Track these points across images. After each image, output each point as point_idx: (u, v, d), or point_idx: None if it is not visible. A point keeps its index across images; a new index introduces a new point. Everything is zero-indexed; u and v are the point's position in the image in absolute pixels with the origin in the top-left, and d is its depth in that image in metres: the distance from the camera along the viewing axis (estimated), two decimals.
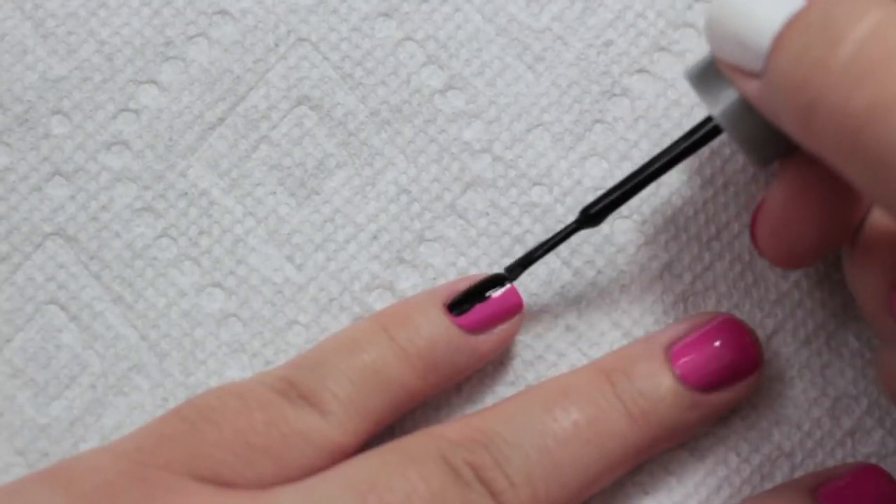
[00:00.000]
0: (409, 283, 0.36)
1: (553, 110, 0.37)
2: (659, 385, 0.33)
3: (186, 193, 0.36)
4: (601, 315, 0.36)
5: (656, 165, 0.33)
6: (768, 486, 0.35)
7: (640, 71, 0.38)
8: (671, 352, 0.33)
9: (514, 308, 0.34)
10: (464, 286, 0.34)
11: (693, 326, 0.34)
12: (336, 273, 0.36)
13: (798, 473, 0.35)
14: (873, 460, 0.35)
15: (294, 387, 0.32)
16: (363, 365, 0.32)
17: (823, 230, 0.31)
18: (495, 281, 0.34)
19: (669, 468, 0.35)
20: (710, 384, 0.33)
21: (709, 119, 0.32)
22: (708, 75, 0.31)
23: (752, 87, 0.28)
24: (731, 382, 0.34)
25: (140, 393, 0.35)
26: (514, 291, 0.34)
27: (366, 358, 0.33)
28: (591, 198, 0.37)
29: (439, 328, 0.33)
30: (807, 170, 0.31)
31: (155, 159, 0.37)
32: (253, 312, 0.36)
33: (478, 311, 0.34)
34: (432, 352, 0.33)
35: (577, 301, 0.36)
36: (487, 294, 0.34)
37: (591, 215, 0.34)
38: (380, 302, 0.36)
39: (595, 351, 0.36)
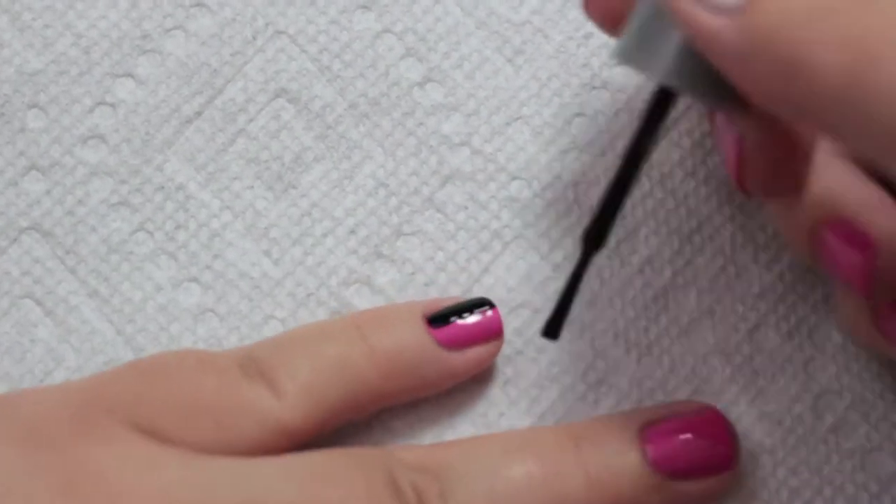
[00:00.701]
0: (387, 278, 0.36)
1: (533, 103, 0.37)
2: (625, 460, 0.32)
3: (163, 188, 0.36)
4: (582, 310, 0.36)
5: (631, 161, 0.30)
6: (750, 482, 0.35)
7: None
8: (646, 432, 0.33)
9: (493, 331, 0.34)
10: (448, 303, 0.34)
11: (673, 412, 0.34)
12: (313, 268, 0.36)
13: (780, 470, 0.35)
14: (857, 456, 0.35)
15: (255, 363, 0.32)
16: (326, 354, 0.32)
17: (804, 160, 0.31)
18: (480, 304, 0.34)
19: None
20: (678, 471, 0.32)
21: (659, 91, 0.30)
22: (634, 45, 0.29)
23: (717, 24, 0.26)
24: (701, 474, 0.33)
25: None
26: (496, 316, 0.34)
27: (331, 348, 0.32)
28: (570, 193, 0.36)
29: (412, 335, 0.33)
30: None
31: (131, 153, 0.36)
32: (230, 307, 0.35)
33: (455, 327, 0.34)
34: (400, 355, 0.33)
35: (555, 295, 0.36)
36: (469, 313, 0.34)
37: (595, 238, 0.31)
38: (357, 297, 0.36)
39: (577, 345, 0.35)
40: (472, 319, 0.34)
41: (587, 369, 0.35)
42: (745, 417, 0.35)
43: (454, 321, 0.34)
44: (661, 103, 0.30)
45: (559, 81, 0.37)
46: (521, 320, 0.36)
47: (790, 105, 0.26)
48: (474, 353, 0.34)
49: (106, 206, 0.36)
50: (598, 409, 0.35)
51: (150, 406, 0.30)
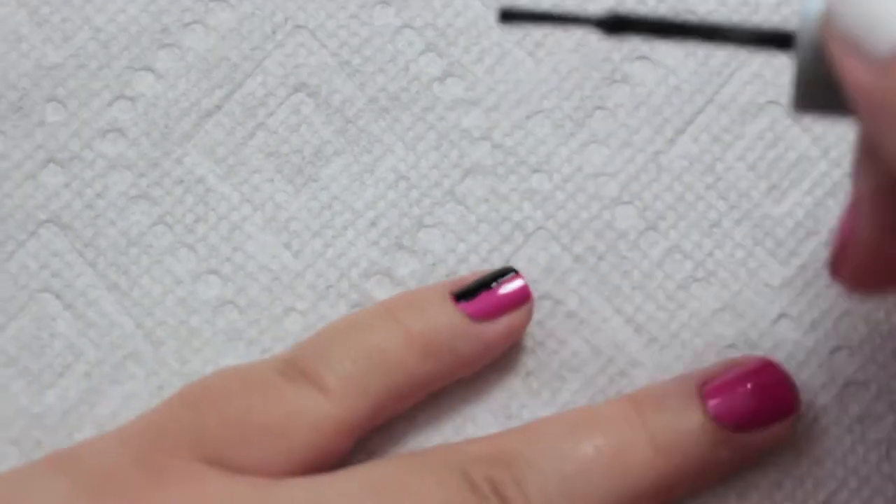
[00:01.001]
0: (408, 270, 0.36)
1: (553, 97, 0.37)
2: (689, 420, 0.32)
3: (182, 181, 0.36)
4: (603, 301, 0.36)
5: (704, 28, 0.26)
6: (774, 473, 0.34)
7: (641, 58, 0.38)
8: (705, 389, 0.33)
9: (520, 297, 0.34)
10: (473, 278, 0.34)
11: (730, 367, 0.34)
12: (334, 260, 0.36)
13: (804, 461, 0.34)
14: (883, 447, 0.35)
15: (294, 366, 0.32)
16: (364, 345, 0.32)
17: None
18: (504, 273, 0.34)
19: None
20: (742, 423, 0.32)
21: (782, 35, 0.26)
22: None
23: (859, 72, 0.23)
24: (764, 423, 0.33)
25: (135, 381, 0.34)
26: (521, 281, 0.34)
27: (368, 338, 0.32)
28: (591, 185, 0.36)
29: (443, 313, 0.33)
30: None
31: (151, 147, 0.36)
32: (250, 300, 0.35)
33: (483, 299, 0.34)
34: (435, 335, 0.33)
35: (578, 288, 0.36)
36: (494, 284, 0.34)
37: (613, 23, 0.27)
38: (378, 288, 0.35)
39: (597, 338, 0.35)
40: (497, 288, 0.34)
41: (608, 362, 0.35)
42: None
43: (481, 293, 0.34)
44: (774, 39, 0.26)
45: (580, 75, 0.37)
46: (544, 312, 0.35)
47: None
48: (507, 321, 0.34)
49: (125, 199, 0.36)
50: None
51: (209, 438, 0.30)
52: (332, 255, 0.36)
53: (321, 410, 0.31)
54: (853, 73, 0.23)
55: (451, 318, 0.33)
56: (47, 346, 0.35)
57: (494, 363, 0.35)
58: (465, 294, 0.34)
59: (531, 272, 0.36)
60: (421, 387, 0.33)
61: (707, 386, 0.33)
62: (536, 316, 0.35)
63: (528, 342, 0.35)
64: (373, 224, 0.36)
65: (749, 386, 0.33)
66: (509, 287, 0.34)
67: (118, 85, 0.37)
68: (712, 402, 0.32)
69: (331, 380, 0.31)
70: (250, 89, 0.37)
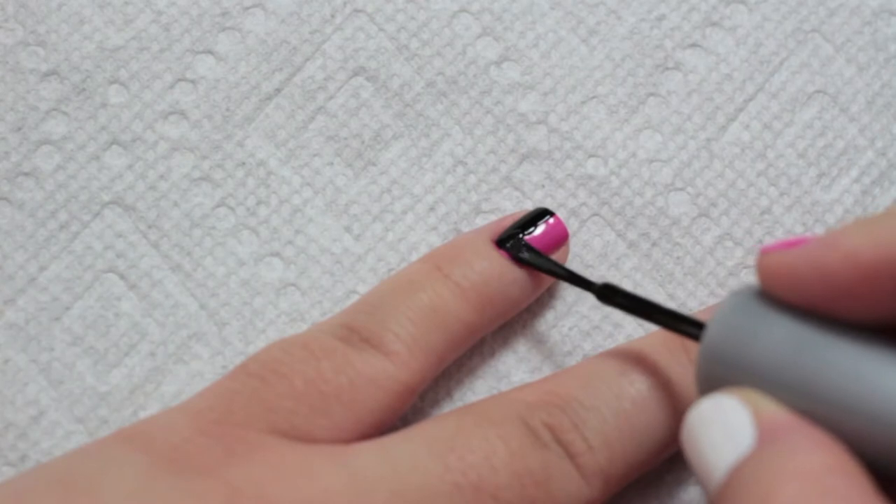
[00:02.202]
0: None
1: (607, 83, 0.38)
2: None
3: (244, 163, 0.36)
4: (656, 286, 0.36)
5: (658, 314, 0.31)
6: None
7: (693, 45, 0.38)
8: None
9: (560, 238, 0.35)
10: (510, 221, 0.35)
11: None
12: (394, 243, 0.36)
13: None
14: None
15: (355, 332, 0.32)
16: (420, 304, 0.33)
17: None
18: (542, 214, 0.35)
19: None
20: None
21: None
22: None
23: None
24: None
25: (200, 361, 0.35)
26: (559, 222, 0.35)
27: (423, 297, 0.33)
28: (645, 171, 0.37)
29: (491, 262, 0.34)
30: None
31: (212, 129, 0.37)
32: (312, 282, 0.36)
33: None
34: (486, 286, 0.33)
35: (632, 273, 0.36)
36: (533, 227, 0.35)
37: (604, 295, 0.32)
38: None
39: (650, 324, 0.36)
40: (538, 231, 0.35)
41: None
42: None
43: (522, 238, 0.34)
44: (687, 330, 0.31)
45: (633, 62, 0.38)
46: (594, 300, 0.36)
47: None
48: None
49: (188, 181, 0.36)
50: None
51: (279, 408, 0.30)
52: (392, 239, 0.36)
53: (387, 374, 0.31)
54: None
55: (499, 266, 0.34)
56: (112, 325, 0.35)
57: (551, 346, 0.36)
58: (506, 239, 0.34)
59: (586, 257, 0.36)
60: (477, 334, 0.34)
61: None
62: (592, 299, 0.36)
63: (585, 325, 0.36)
64: (431, 209, 0.36)
65: None
66: (548, 228, 0.35)
67: (179, 67, 0.37)
68: None
69: (394, 343, 0.32)
70: (310, 73, 0.37)
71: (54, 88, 0.36)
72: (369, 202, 0.36)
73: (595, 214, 0.37)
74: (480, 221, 0.36)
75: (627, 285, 0.36)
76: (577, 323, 0.36)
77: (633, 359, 0.33)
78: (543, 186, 0.37)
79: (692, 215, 0.37)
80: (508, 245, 0.34)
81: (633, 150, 0.37)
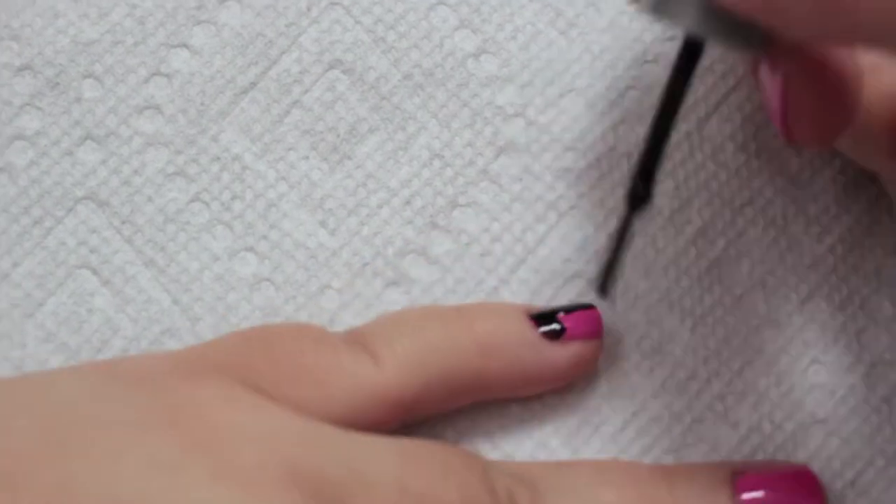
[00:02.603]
0: (443, 249, 0.36)
1: (585, 76, 0.37)
2: (716, 498, 0.32)
3: (219, 158, 0.36)
4: (637, 278, 0.36)
5: (666, 115, 0.30)
6: (801, 453, 0.35)
7: (672, 38, 0.38)
8: (737, 479, 0.33)
9: (593, 330, 0.34)
10: (550, 308, 0.35)
11: (767, 465, 0.34)
12: (369, 238, 0.36)
13: (832, 441, 0.35)
14: None
15: (357, 335, 0.33)
16: (428, 331, 0.33)
17: (848, 108, 0.30)
18: (582, 306, 0.35)
19: (703, 435, 0.35)
20: None
21: (687, 42, 0.30)
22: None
23: None
24: None
25: None
26: (596, 314, 0.35)
27: (433, 326, 0.33)
28: (624, 164, 0.37)
29: (514, 322, 0.34)
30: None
31: (187, 124, 0.36)
32: (286, 277, 0.36)
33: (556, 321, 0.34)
34: (501, 338, 0.33)
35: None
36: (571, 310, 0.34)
37: (639, 195, 0.31)
38: (413, 266, 0.36)
39: (632, 314, 0.36)
40: (570, 314, 0.34)
41: (642, 338, 0.36)
42: (797, 388, 0.35)
43: (554, 314, 0.34)
44: (690, 55, 0.30)
45: (611, 54, 0.38)
46: (577, 290, 0.36)
47: (835, 30, 0.25)
48: (574, 349, 0.34)
49: (162, 175, 0.36)
50: (653, 377, 0.35)
51: (253, 367, 0.31)
52: (367, 233, 0.36)
53: (369, 375, 0.32)
54: None
55: (521, 328, 0.33)
56: (85, 321, 0.35)
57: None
58: (542, 316, 0.34)
59: (564, 251, 0.36)
60: (475, 384, 0.33)
61: (741, 477, 0.33)
62: (570, 295, 0.36)
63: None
64: (407, 203, 0.36)
65: (781, 487, 0.33)
66: (583, 315, 0.34)
67: (154, 61, 0.37)
68: (742, 495, 0.32)
69: (385, 352, 0.32)
70: (285, 66, 0.37)
71: (28, 83, 0.36)
72: (344, 196, 0.36)
73: (574, 207, 0.36)
74: (457, 215, 0.36)
75: (623, 275, 0.36)
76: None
77: (615, 469, 0.33)
78: (521, 180, 0.36)
79: (672, 207, 0.36)
80: (537, 315, 0.34)
81: (613, 144, 0.37)
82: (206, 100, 0.37)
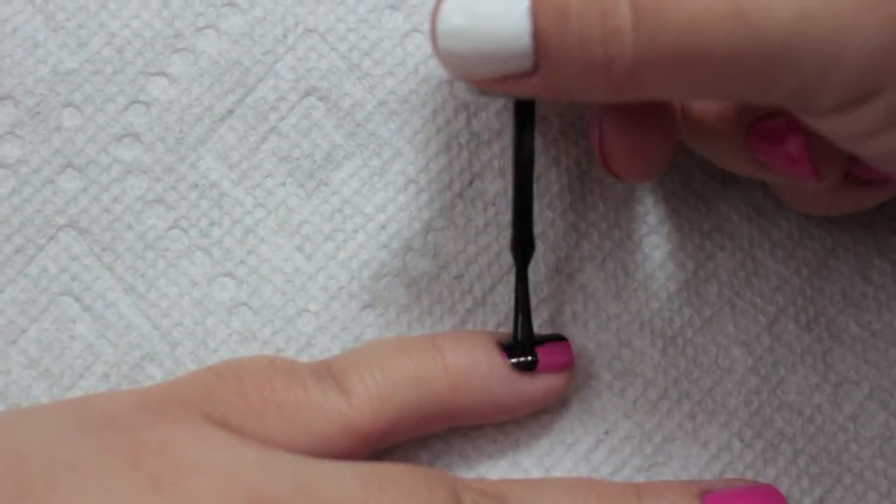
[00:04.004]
0: (418, 271, 0.36)
1: (556, 106, 0.38)
2: None
3: (197, 185, 0.37)
4: (609, 300, 0.37)
5: (521, 171, 0.33)
6: (771, 471, 0.36)
7: None
8: (706, 496, 0.33)
9: (563, 362, 0.35)
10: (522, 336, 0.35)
11: (735, 483, 0.34)
12: (345, 262, 0.37)
13: (800, 459, 0.36)
14: (876, 444, 0.36)
15: (327, 368, 0.33)
16: (399, 363, 0.33)
17: (661, 144, 0.32)
18: (554, 338, 0.35)
19: (673, 454, 0.36)
20: None
21: (517, 104, 0.32)
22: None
23: (529, 84, 0.28)
24: None
25: (153, 381, 0.35)
26: (567, 347, 0.35)
27: (404, 358, 0.33)
28: (597, 188, 0.37)
29: (486, 354, 0.34)
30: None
31: (166, 151, 0.37)
32: (263, 301, 0.36)
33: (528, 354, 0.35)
34: (472, 370, 0.34)
35: (585, 285, 0.37)
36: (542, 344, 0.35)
37: (522, 249, 0.34)
38: (389, 289, 0.36)
39: (603, 335, 0.36)
40: (542, 347, 0.35)
41: (613, 358, 0.36)
42: (766, 407, 0.36)
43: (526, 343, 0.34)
44: (524, 111, 0.32)
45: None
46: (550, 311, 0.36)
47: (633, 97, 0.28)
48: (545, 381, 0.34)
49: (141, 203, 0.37)
50: (624, 397, 0.36)
51: (221, 401, 0.31)
52: (343, 258, 0.37)
53: (339, 409, 0.32)
54: (523, 88, 0.29)
55: (491, 360, 0.34)
56: (67, 347, 0.35)
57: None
58: (511, 347, 0.34)
59: (539, 271, 0.37)
60: (446, 416, 0.34)
61: (709, 494, 0.33)
62: (543, 316, 0.36)
63: None
64: (383, 227, 0.37)
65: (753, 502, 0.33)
66: (554, 348, 0.35)
67: (133, 90, 0.37)
68: None
69: (357, 386, 0.32)
70: (262, 93, 0.37)
71: (8, 112, 0.37)
72: (321, 222, 0.37)
73: (548, 230, 0.37)
74: (432, 239, 0.37)
75: (579, 298, 0.37)
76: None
77: (585, 486, 0.33)
78: (494, 204, 0.37)
79: (642, 232, 0.37)
80: (510, 345, 0.34)
81: (586, 169, 0.37)
82: (184, 127, 0.37)
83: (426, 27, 0.38)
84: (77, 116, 0.37)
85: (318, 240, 0.37)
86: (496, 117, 0.38)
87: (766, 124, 0.32)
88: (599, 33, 0.26)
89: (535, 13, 0.27)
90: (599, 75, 0.27)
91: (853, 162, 0.31)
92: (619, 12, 0.26)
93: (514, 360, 0.34)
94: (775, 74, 0.26)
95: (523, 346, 0.34)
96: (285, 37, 0.38)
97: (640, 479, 0.35)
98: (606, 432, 0.36)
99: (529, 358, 0.34)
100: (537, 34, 0.27)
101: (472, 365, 0.34)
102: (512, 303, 0.36)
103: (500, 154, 0.37)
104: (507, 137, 0.37)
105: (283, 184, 0.37)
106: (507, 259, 0.37)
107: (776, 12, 0.25)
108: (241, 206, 0.37)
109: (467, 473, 0.35)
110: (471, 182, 0.37)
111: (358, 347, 0.35)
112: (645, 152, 0.32)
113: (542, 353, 0.34)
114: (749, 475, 0.36)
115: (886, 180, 0.33)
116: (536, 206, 0.37)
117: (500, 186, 0.37)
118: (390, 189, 0.37)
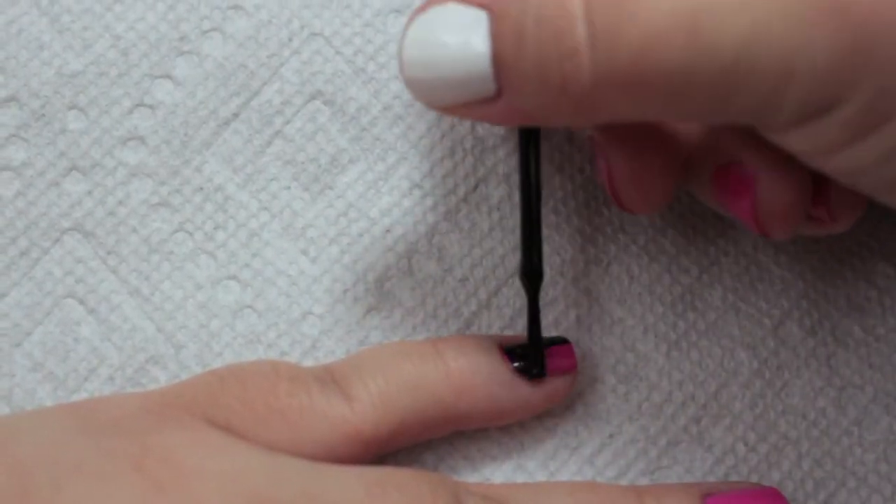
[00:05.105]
0: (424, 274, 0.37)
1: None
2: None
3: (202, 188, 0.37)
4: (613, 304, 0.37)
5: (528, 195, 0.33)
6: (775, 475, 0.36)
7: None
8: (707, 499, 0.33)
9: (566, 366, 0.35)
10: (525, 339, 0.35)
11: (738, 486, 0.34)
12: (350, 265, 0.37)
13: (804, 462, 0.36)
14: (880, 448, 0.36)
15: (330, 374, 0.33)
16: (402, 368, 0.33)
17: (667, 174, 0.33)
18: (557, 340, 0.35)
19: (677, 457, 0.36)
20: None
21: (522, 131, 0.33)
22: None
23: (494, 110, 0.28)
24: None
25: (157, 384, 0.35)
26: (569, 351, 0.35)
27: (406, 364, 0.33)
28: (599, 192, 0.37)
29: (488, 359, 0.34)
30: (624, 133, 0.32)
31: (171, 154, 0.37)
32: (268, 304, 0.36)
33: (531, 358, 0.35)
34: (474, 376, 0.34)
35: (589, 290, 0.37)
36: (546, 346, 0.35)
37: (533, 273, 0.34)
38: (394, 293, 0.36)
39: (607, 339, 0.36)
40: (547, 350, 0.35)
41: (617, 362, 0.36)
42: (770, 411, 0.36)
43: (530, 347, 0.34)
44: (528, 137, 0.33)
45: None
46: (554, 314, 0.36)
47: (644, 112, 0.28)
48: (548, 385, 0.34)
49: (146, 206, 0.37)
50: (629, 400, 0.36)
51: (225, 406, 0.31)
52: (348, 261, 0.37)
53: (342, 416, 0.32)
54: (487, 115, 0.29)
55: (494, 365, 0.34)
56: (72, 350, 0.35)
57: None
58: (514, 350, 0.34)
59: (543, 276, 0.37)
60: (449, 420, 0.34)
61: (710, 497, 0.33)
62: (548, 319, 0.36)
63: None
64: (388, 231, 0.37)
65: None
66: (557, 352, 0.35)
67: (138, 92, 0.37)
68: None
69: (360, 391, 0.32)
70: (267, 97, 0.37)
71: (13, 115, 0.37)
72: (326, 225, 0.37)
73: (552, 233, 0.37)
74: (437, 243, 0.37)
75: (584, 302, 0.37)
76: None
77: (586, 489, 0.33)
78: (499, 208, 0.37)
79: (647, 236, 0.37)
80: (513, 349, 0.34)
81: (589, 174, 0.38)
82: (189, 130, 0.37)
83: None
84: (82, 119, 0.37)
85: (322, 243, 0.37)
86: None
87: (723, 171, 0.32)
88: (556, 54, 0.26)
89: (493, 37, 0.27)
90: (559, 97, 0.27)
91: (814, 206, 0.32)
92: (575, 33, 0.26)
93: (518, 365, 0.34)
94: (730, 91, 0.26)
95: (526, 350, 0.34)
96: (290, 40, 0.38)
97: (644, 482, 0.35)
98: (611, 436, 0.36)
99: (532, 363, 0.34)
100: (496, 58, 0.27)
101: (475, 370, 0.34)
102: (516, 306, 0.36)
103: (505, 159, 0.37)
104: (512, 143, 0.37)
105: (288, 187, 0.37)
106: (512, 262, 0.37)
107: (728, 28, 0.25)
108: (245, 210, 0.37)
109: (472, 476, 0.35)
110: (475, 186, 0.37)
111: (361, 352, 0.35)
112: (652, 182, 0.33)
113: (546, 357, 0.34)
114: (753, 479, 0.36)
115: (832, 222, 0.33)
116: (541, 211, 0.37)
117: (504, 191, 0.37)
118: (395, 193, 0.37)
